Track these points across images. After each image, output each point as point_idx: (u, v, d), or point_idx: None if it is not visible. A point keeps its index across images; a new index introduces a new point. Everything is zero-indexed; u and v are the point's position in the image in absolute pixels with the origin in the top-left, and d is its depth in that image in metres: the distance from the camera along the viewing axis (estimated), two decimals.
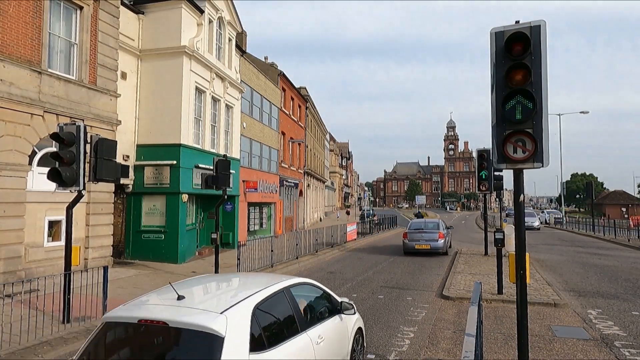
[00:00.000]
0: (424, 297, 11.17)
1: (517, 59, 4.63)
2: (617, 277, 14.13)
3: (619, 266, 16.68)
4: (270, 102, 28.09)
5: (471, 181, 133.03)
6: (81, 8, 13.37)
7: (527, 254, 4.91)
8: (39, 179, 11.91)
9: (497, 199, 35.00)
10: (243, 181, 22.90)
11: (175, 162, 16.30)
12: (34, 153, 11.95)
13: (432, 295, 11.40)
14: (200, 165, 17.51)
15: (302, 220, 37.09)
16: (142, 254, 16.54)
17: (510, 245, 10.03)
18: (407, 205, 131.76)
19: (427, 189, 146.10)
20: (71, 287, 8.06)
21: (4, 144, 10.89)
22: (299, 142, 35.56)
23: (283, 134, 31.38)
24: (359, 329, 6.15)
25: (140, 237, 16.74)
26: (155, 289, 4.83)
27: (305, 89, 40.13)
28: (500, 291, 10.93)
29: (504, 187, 18.33)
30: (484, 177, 14.68)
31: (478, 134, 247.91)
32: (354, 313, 5.83)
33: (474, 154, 54.74)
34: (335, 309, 5.55)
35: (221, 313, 3.75)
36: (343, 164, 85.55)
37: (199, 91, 18.06)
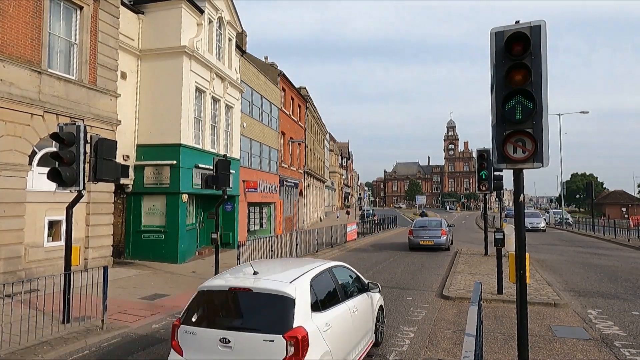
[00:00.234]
0: (424, 297, 11.18)
1: (517, 59, 4.63)
2: (617, 277, 14.14)
3: (619, 266, 16.69)
4: (270, 102, 28.08)
5: (471, 181, 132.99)
6: (81, 8, 13.37)
7: (527, 253, 4.92)
8: (39, 179, 11.92)
9: (497, 199, 34.90)
10: (243, 181, 22.89)
11: (175, 162, 16.30)
12: (34, 153, 11.96)
13: (432, 295, 11.41)
14: (200, 165, 17.51)
15: (302, 220, 37.09)
16: (142, 254, 16.55)
17: (510, 245, 10.04)
18: (404, 206, 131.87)
19: (427, 189, 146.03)
20: (71, 287, 8.07)
21: (4, 144, 10.90)
22: (299, 142, 35.54)
23: (283, 133, 31.37)
24: (381, 306, 7.44)
25: (140, 237, 16.74)
26: (229, 268, 6.42)
27: (305, 88, 40.11)
28: (500, 291, 10.94)
29: (504, 187, 18.32)
30: (484, 177, 14.65)
31: (478, 134, 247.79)
32: (379, 291, 7.11)
33: (474, 154, 54.66)
34: (364, 288, 6.75)
35: (290, 282, 4.96)
36: (343, 164, 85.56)
37: (199, 91, 18.06)
